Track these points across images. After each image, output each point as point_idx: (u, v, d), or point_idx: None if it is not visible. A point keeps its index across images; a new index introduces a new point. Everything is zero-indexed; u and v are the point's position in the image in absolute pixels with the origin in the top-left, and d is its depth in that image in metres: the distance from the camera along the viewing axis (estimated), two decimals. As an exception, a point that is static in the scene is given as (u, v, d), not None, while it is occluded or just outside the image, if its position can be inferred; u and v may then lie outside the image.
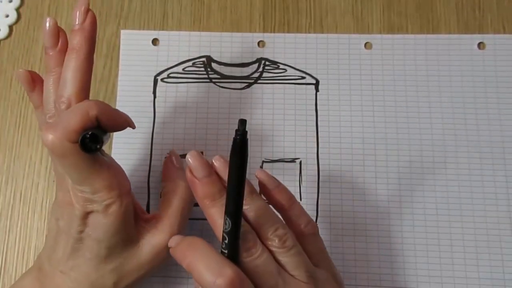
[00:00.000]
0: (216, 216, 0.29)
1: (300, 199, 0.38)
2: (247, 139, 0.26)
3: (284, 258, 0.28)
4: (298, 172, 0.38)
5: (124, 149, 0.39)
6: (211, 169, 0.30)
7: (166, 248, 0.31)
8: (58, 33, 0.31)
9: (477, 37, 0.40)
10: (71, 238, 0.30)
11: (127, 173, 0.38)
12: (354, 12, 0.42)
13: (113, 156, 0.39)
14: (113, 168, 0.29)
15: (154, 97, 0.40)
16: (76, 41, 0.29)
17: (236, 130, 0.26)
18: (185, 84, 0.40)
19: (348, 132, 0.39)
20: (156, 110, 0.40)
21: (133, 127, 0.30)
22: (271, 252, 0.28)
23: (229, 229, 0.26)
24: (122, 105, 0.40)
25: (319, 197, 0.38)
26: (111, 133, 0.30)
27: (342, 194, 0.38)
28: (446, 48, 0.40)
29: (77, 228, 0.29)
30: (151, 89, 0.40)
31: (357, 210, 0.37)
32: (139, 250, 0.31)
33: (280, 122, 0.39)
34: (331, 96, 0.40)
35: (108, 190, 0.28)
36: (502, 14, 0.41)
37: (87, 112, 0.27)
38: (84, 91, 0.29)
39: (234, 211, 0.26)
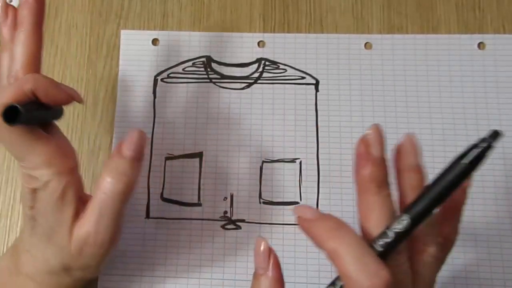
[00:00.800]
0: (374, 206, 0.25)
1: (300, 199, 0.38)
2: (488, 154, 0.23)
3: (424, 270, 0.25)
4: (298, 172, 0.38)
5: (124, 149, 0.39)
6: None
7: (89, 246, 0.29)
8: (7, 8, 0.31)
9: (477, 37, 0.40)
10: (26, 215, 0.30)
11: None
12: (354, 12, 0.42)
13: (113, 156, 0.39)
14: (53, 145, 0.28)
15: (154, 97, 0.40)
16: (22, 15, 0.30)
17: (484, 139, 0.23)
18: (185, 84, 0.40)
19: (348, 132, 0.39)
20: (156, 110, 0.40)
21: (79, 100, 0.30)
22: (417, 260, 0.25)
23: (402, 230, 0.23)
24: (122, 105, 0.40)
25: (319, 197, 0.38)
26: (62, 108, 0.30)
27: (342, 194, 0.38)
28: (446, 48, 0.40)
29: (28, 204, 0.29)
30: (151, 89, 0.40)
31: (357, 210, 0.37)
32: (72, 238, 0.30)
33: (280, 122, 0.39)
34: (331, 96, 0.40)
35: (46, 167, 0.28)
36: (502, 14, 0.41)
37: (21, 86, 0.26)
38: (31, 65, 0.29)
39: (422, 214, 0.23)
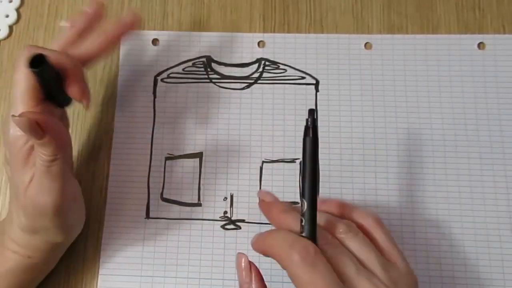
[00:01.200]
0: (288, 224, 0.31)
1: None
2: (317, 126, 0.30)
3: (353, 243, 0.29)
4: (298, 172, 0.38)
5: (124, 149, 0.39)
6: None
7: (35, 206, 0.31)
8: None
9: (477, 37, 0.40)
10: (7, 176, 0.34)
11: (127, 173, 0.38)
12: (354, 12, 0.42)
13: (112, 156, 0.39)
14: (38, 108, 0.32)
15: (154, 97, 0.40)
16: (112, 25, 0.36)
17: (307, 119, 0.30)
18: (185, 84, 0.40)
19: (348, 132, 0.39)
20: (156, 110, 0.40)
21: (86, 105, 0.33)
22: (345, 243, 0.29)
23: (306, 208, 0.28)
24: (122, 105, 0.40)
25: (319, 197, 0.38)
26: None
27: (342, 194, 0.38)
28: (446, 48, 0.40)
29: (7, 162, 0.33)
30: (151, 89, 0.40)
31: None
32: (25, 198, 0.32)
33: (280, 122, 0.39)
34: (331, 96, 0.40)
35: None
36: (502, 14, 0.41)
37: (63, 56, 0.32)
38: (84, 61, 0.35)
39: (310, 192, 0.29)
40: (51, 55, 0.31)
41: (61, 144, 0.30)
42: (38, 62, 0.29)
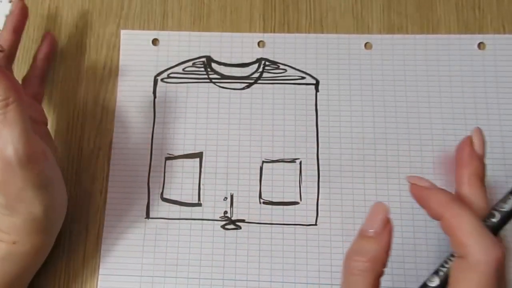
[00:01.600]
0: (475, 198, 0.26)
1: (300, 199, 0.38)
2: None
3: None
4: (298, 172, 0.38)
5: (124, 149, 0.39)
6: None
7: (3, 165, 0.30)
8: None
9: (477, 37, 0.40)
10: None
11: (126, 173, 0.38)
12: (354, 12, 0.42)
13: (112, 156, 0.39)
14: None
15: (154, 97, 0.40)
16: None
17: None
18: (185, 84, 0.40)
19: (348, 132, 0.39)
20: (156, 110, 0.40)
21: None
22: None
23: (509, 209, 0.24)
24: (122, 105, 0.40)
25: (319, 197, 0.38)
26: None
27: (342, 194, 0.38)
28: (446, 48, 0.40)
29: None
30: (151, 89, 0.40)
31: (357, 210, 0.37)
32: None
33: (280, 122, 0.39)
34: (331, 96, 0.40)
35: None
36: (502, 14, 0.41)
37: None
38: None
39: None
40: None
41: (11, 85, 0.29)
42: None
